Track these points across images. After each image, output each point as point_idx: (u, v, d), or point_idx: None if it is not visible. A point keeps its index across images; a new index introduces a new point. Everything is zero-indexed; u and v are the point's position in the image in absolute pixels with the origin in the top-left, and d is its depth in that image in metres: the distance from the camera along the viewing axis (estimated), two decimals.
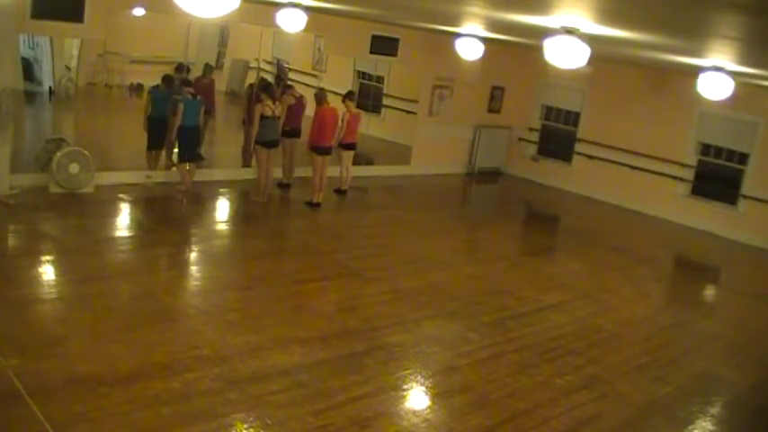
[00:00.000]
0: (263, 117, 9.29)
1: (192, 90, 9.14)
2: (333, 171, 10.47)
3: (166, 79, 9.62)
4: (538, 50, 6.53)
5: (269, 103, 9.36)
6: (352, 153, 10.71)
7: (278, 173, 10.40)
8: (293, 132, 10.21)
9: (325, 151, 9.86)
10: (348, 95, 10.44)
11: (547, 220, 12.44)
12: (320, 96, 9.86)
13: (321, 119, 9.74)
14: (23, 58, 10.38)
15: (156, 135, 9.51)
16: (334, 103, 10.14)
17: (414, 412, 4.93)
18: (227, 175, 10.49)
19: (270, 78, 11.56)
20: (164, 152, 9.84)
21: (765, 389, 6.47)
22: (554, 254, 10.27)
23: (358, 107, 11.08)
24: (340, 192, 10.70)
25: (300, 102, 10.22)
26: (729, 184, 11.81)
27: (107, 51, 10.41)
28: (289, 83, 10.88)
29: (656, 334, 7.21)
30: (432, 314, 6.73)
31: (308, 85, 11.89)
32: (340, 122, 10.03)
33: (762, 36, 4.09)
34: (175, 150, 9.47)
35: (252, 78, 11.58)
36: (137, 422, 4.24)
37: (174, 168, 9.72)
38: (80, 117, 10.37)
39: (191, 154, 9.44)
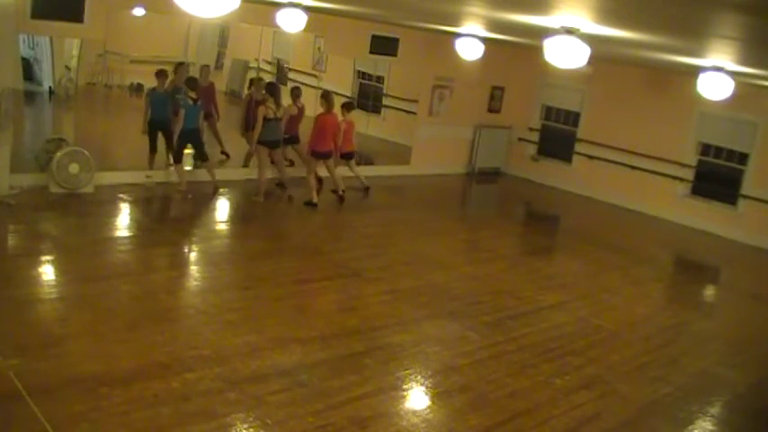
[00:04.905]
0: (265, 119, 9.36)
1: (193, 96, 9.16)
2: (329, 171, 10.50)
3: (160, 74, 9.51)
4: (538, 50, 6.53)
5: (272, 105, 9.43)
6: (352, 162, 11.11)
7: (276, 173, 10.42)
8: (291, 139, 10.44)
9: (324, 156, 10.08)
10: (347, 105, 10.68)
11: (547, 220, 12.44)
12: (328, 99, 10.04)
13: (322, 124, 9.89)
14: (23, 58, 10.37)
15: (157, 139, 9.57)
16: (335, 106, 10.24)
17: (414, 412, 4.93)
18: (227, 175, 10.48)
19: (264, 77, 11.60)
20: (164, 153, 9.85)
21: (765, 389, 6.47)
22: (554, 254, 10.27)
23: (357, 107, 11.20)
24: (337, 194, 10.66)
25: (301, 112, 10.45)
26: (729, 184, 11.81)
27: (107, 51, 10.40)
28: (296, 86, 10.94)
29: (656, 334, 7.20)
30: (432, 314, 6.73)
31: (308, 85, 11.90)
32: (340, 130, 10.25)
33: (762, 36, 4.09)
34: (188, 152, 9.55)
35: (253, 75, 11.64)
36: (136, 422, 4.24)
37: (173, 168, 9.72)
38: (80, 117, 10.36)
39: (200, 155, 9.76)
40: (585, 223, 11.99)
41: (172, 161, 9.68)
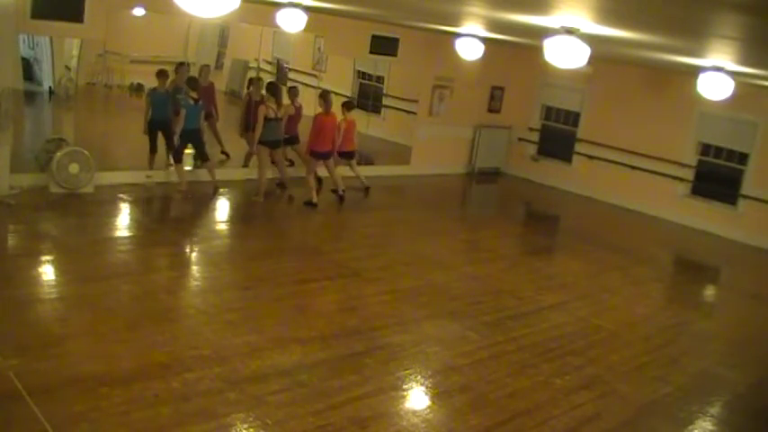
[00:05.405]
0: (266, 119, 9.36)
1: (194, 96, 9.18)
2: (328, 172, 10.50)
3: (161, 74, 9.55)
4: (538, 50, 6.53)
5: (272, 105, 9.44)
6: (353, 162, 11.10)
7: (276, 173, 10.43)
8: (291, 140, 10.44)
9: (323, 156, 10.09)
10: (347, 105, 10.70)
11: (547, 220, 12.44)
12: (326, 99, 10.02)
13: (320, 125, 9.88)
14: (23, 58, 10.39)
15: (158, 138, 9.58)
16: (335, 105, 10.25)
17: (414, 412, 4.93)
18: (227, 175, 10.49)
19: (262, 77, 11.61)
20: (164, 153, 9.86)
21: (765, 389, 6.47)
22: (554, 254, 10.27)
23: (357, 107, 11.20)
24: (337, 193, 10.66)
25: (299, 112, 10.45)
26: (729, 184, 11.81)
27: (107, 51, 10.42)
28: (293, 86, 10.96)
29: (656, 334, 7.21)
30: (432, 314, 6.73)
31: (308, 85, 11.91)
32: (340, 129, 10.23)
33: (762, 36, 4.09)
34: (188, 152, 9.55)
35: (253, 75, 11.64)
36: (136, 422, 4.24)
37: (173, 168, 9.73)
38: (80, 117, 10.36)
39: (200, 155, 9.78)
40: (585, 223, 11.99)
41: (172, 161, 9.69)
